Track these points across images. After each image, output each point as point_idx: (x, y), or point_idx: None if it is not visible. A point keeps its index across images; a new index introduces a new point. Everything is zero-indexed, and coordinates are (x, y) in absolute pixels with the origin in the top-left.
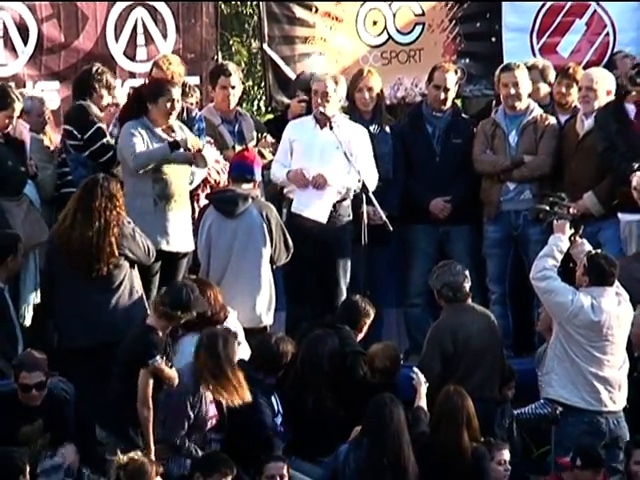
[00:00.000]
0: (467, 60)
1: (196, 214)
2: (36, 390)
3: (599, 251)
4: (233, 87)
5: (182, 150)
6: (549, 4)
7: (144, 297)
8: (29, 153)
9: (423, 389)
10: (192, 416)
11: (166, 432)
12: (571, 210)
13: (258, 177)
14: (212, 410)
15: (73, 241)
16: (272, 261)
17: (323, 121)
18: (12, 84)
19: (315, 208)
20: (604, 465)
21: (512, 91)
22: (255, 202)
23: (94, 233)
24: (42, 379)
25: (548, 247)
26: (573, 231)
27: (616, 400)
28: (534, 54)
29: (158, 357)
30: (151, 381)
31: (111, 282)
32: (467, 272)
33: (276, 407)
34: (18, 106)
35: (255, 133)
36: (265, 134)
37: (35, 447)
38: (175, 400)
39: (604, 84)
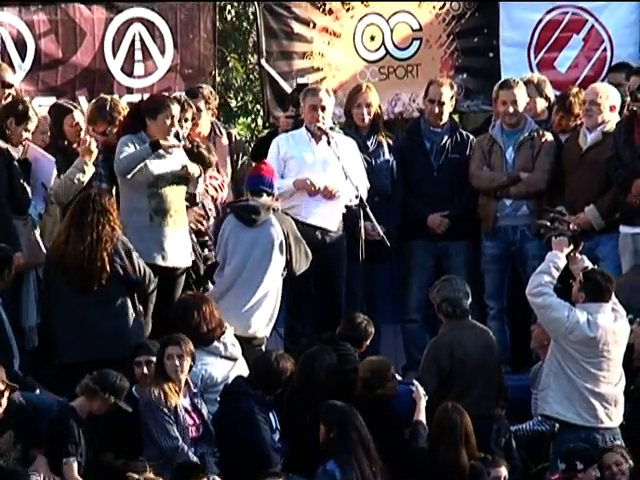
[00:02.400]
0: (464, 75)
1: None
2: None
3: (595, 267)
4: (186, 120)
5: (165, 146)
6: (547, 19)
7: (141, 318)
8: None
9: (422, 403)
10: (173, 421)
11: (154, 444)
12: (571, 226)
13: (276, 190)
14: (188, 419)
15: (67, 256)
16: (292, 271)
17: (319, 135)
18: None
19: (325, 216)
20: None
21: (511, 109)
22: (275, 214)
23: (86, 248)
24: (3, 387)
25: (545, 263)
26: (572, 247)
27: (612, 416)
28: (531, 69)
29: (72, 459)
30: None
31: (104, 299)
32: (468, 289)
33: (274, 424)
34: (34, 121)
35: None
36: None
37: (8, 459)
38: (149, 411)
39: (608, 99)
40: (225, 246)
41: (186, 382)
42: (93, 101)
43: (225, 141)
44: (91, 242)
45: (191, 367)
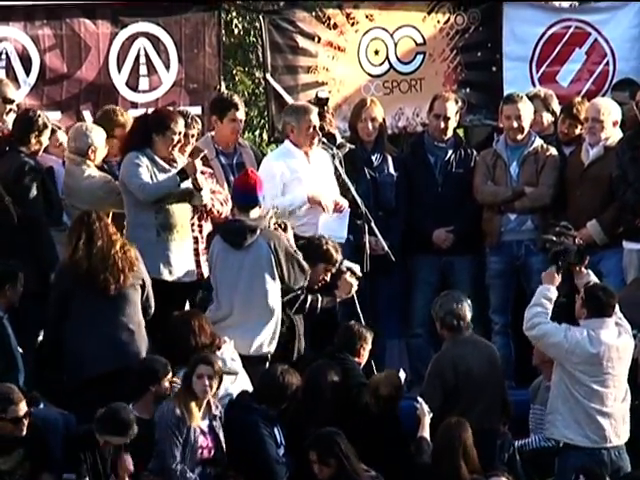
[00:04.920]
0: (467, 89)
1: (199, 244)
2: (25, 419)
3: (597, 282)
4: (242, 121)
5: (190, 178)
6: (549, 33)
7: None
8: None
9: (427, 419)
10: (180, 442)
11: (159, 460)
12: (577, 240)
13: (262, 200)
14: (202, 440)
15: (79, 266)
16: (289, 287)
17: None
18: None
19: (339, 230)
20: None
21: (515, 124)
22: (262, 233)
23: (98, 250)
24: (27, 408)
25: (536, 297)
26: (578, 261)
27: (620, 434)
28: (534, 83)
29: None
30: None
31: (122, 311)
32: (469, 302)
33: (279, 438)
34: (48, 130)
35: (256, 164)
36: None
37: (14, 478)
38: (162, 427)
39: (610, 115)
40: (215, 269)
41: (208, 403)
42: (98, 114)
43: (250, 152)
44: (102, 245)
45: (217, 388)
